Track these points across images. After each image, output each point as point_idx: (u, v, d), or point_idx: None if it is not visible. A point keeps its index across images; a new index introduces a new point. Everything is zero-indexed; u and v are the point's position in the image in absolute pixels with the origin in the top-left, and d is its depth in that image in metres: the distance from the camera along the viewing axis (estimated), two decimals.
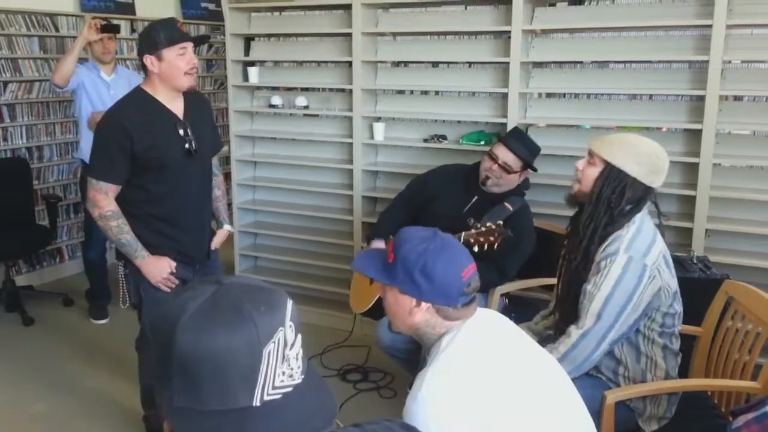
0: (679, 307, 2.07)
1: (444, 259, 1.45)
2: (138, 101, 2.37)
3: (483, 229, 2.51)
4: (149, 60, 2.31)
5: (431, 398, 1.34)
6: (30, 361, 3.53)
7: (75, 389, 3.22)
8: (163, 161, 2.36)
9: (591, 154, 2.05)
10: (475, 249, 2.50)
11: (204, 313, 0.82)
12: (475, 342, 1.45)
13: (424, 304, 1.47)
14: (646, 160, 1.98)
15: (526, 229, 2.79)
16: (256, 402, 0.81)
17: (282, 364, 0.83)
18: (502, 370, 1.42)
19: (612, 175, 1.98)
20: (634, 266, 1.92)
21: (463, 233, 2.54)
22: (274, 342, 0.82)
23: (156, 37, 2.29)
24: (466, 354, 1.43)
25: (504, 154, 2.78)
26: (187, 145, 2.39)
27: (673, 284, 2.04)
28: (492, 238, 2.49)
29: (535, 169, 2.90)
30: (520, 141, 2.82)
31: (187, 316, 0.82)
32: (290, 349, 0.84)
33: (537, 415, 1.40)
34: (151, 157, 2.33)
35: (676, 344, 2.10)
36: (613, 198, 1.98)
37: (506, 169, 2.77)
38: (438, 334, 1.49)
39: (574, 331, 1.95)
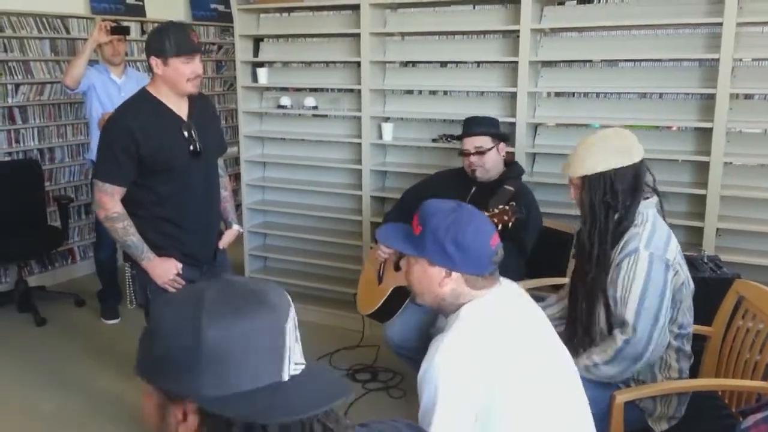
0: (691, 304, 2.07)
1: (473, 228, 1.47)
2: (143, 103, 2.39)
3: (495, 211, 2.53)
4: (155, 62, 2.33)
5: (445, 363, 1.37)
6: (42, 361, 3.56)
7: (86, 389, 3.25)
8: (169, 163, 2.37)
9: (570, 180, 2.05)
10: None
11: (221, 303, 0.84)
12: (491, 313, 1.48)
13: (455, 274, 1.49)
14: (611, 148, 1.95)
15: (531, 205, 2.83)
16: (286, 376, 0.84)
17: (296, 343, 0.87)
18: (516, 341, 1.44)
19: (592, 183, 1.95)
20: (658, 262, 1.90)
21: None
22: (291, 318, 0.86)
23: (166, 42, 2.30)
24: (482, 324, 1.45)
25: (469, 142, 2.89)
26: (192, 147, 2.40)
27: (690, 281, 2.03)
28: (506, 218, 2.50)
29: (507, 138, 3.00)
30: (474, 123, 2.95)
31: (207, 309, 0.83)
32: (297, 331, 0.88)
33: (543, 395, 1.43)
34: (156, 159, 2.34)
35: (688, 346, 2.09)
36: (608, 198, 1.94)
37: (480, 152, 2.86)
38: (459, 304, 1.51)
39: (619, 337, 1.91)
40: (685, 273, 1.99)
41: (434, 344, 1.42)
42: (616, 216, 1.97)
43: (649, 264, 1.89)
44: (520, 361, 1.41)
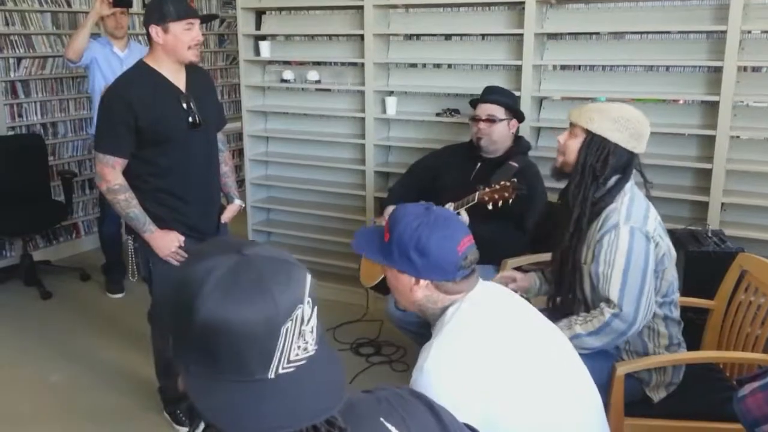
0: (675, 273, 2.07)
1: (438, 234, 1.44)
2: (141, 75, 2.38)
3: (497, 186, 2.53)
4: (155, 30, 2.32)
5: (435, 370, 1.34)
6: (48, 334, 3.59)
7: (92, 361, 3.28)
8: (168, 134, 2.37)
9: (572, 125, 2.05)
10: (490, 207, 2.53)
11: (226, 284, 0.82)
12: (478, 313, 1.46)
13: (422, 281, 1.47)
14: (626, 125, 1.96)
15: (535, 183, 2.82)
16: (271, 375, 0.82)
17: (298, 340, 0.84)
18: (507, 340, 1.42)
19: (594, 142, 1.97)
20: (639, 235, 1.91)
21: (477, 193, 2.58)
22: (292, 320, 0.82)
23: (165, 8, 2.29)
24: (470, 325, 1.43)
25: (483, 109, 2.87)
26: (191, 118, 2.40)
27: (673, 249, 2.03)
28: (506, 194, 2.51)
29: (520, 116, 2.95)
30: (493, 92, 2.93)
31: (209, 287, 0.82)
32: (307, 324, 0.85)
33: (543, 385, 1.41)
34: (155, 131, 2.34)
35: (676, 313, 2.10)
36: (598, 166, 1.97)
37: (491, 119, 2.84)
38: (441, 308, 1.50)
39: (606, 310, 1.92)
40: (666, 243, 1.99)
41: (423, 351, 1.40)
42: (597, 192, 1.99)
43: (630, 238, 1.90)
44: (512, 358, 1.39)
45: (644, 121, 2.01)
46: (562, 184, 3.13)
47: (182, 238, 2.46)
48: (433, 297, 1.49)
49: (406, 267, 1.46)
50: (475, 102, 2.96)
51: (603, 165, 1.96)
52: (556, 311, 2.07)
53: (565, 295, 2.07)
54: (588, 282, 2.01)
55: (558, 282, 2.12)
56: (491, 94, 2.91)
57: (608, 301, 1.92)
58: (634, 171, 2.04)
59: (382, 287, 2.87)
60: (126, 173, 2.38)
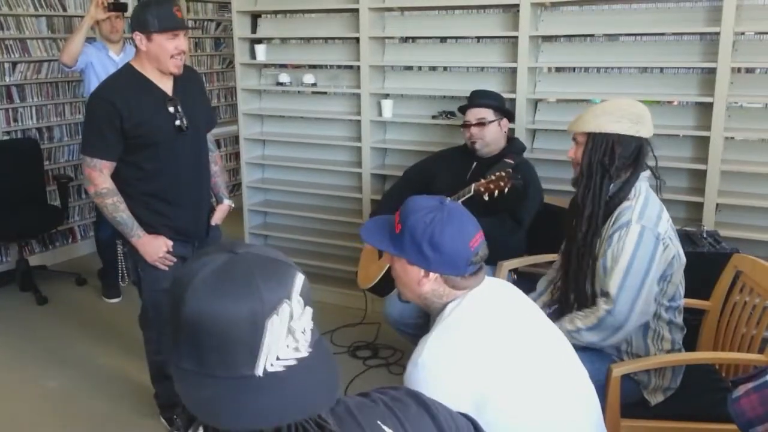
0: (682, 278, 2.07)
1: (451, 229, 1.45)
2: (126, 78, 2.39)
3: (492, 177, 2.55)
4: (138, 37, 2.32)
5: (430, 363, 1.35)
6: (44, 340, 3.58)
7: (88, 367, 3.27)
8: (154, 138, 2.37)
9: (573, 137, 2.07)
10: (486, 197, 2.54)
11: (213, 280, 0.84)
12: (477, 310, 1.46)
13: (432, 275, 1.48)
14: (622, 113, 1.98)
15: (530, 177, 2.83)
16: (259, 372, 0.82)
17: (287, 337, 0.84)
18: (504, 337, 1.43)
19: (597, 140, 1.99)
20: (648, 235, 1.91)
21: (473, 184, 2.59)
22: (277, 314, 0.83)
23: (149, 18, 2.29)
24: (468, 321, 1.44)
25: (471, 114, 2.91)
26: (177, 122, 2.40)
27: (682, 253, 2.04)
28: (502, 184, 2.52)
29: (510, 115, 3.00)
30: (479, 96, 2.97)
31: (197, 282, 0.83)
32: (296, 322, 0.85)
33: (542, 382, 1.41)
34: (141, 134, 2.34)
35: (679, 318, 2.11)
36: (606, 160, 1.98)
37: (482, 123, 2.87)
38: (444, 303, 1.50)
39: (602, 306, 1.94)
40: (676, 247, 2.00)
41: (420, 344, 1.40)
42: (611, 185, 1.99)
43: (639, 237, 1.91)
44: (509, 355, 1.39)
45: (638, 104, 2.02)
46: (560, 185, 3.17)
47: (170, 242, 2.46)
48: (439, 291, 1.49)
49: (417, 259, 1.47)
50: (464, 108, 2.97)
51: (611, 157, 1.97)
52: (567, 308, 2.08)
53: (578, 291, 2.06)
54: (591, 278, 2.02)
55: (571, 279, 2.10)
56: (478, 98, 2.94)
57: (606, 295, 1.94)
58: (649, 174, 2.03)
59: (379, 289, 2.87)
60: (114, 178, 2.38)
